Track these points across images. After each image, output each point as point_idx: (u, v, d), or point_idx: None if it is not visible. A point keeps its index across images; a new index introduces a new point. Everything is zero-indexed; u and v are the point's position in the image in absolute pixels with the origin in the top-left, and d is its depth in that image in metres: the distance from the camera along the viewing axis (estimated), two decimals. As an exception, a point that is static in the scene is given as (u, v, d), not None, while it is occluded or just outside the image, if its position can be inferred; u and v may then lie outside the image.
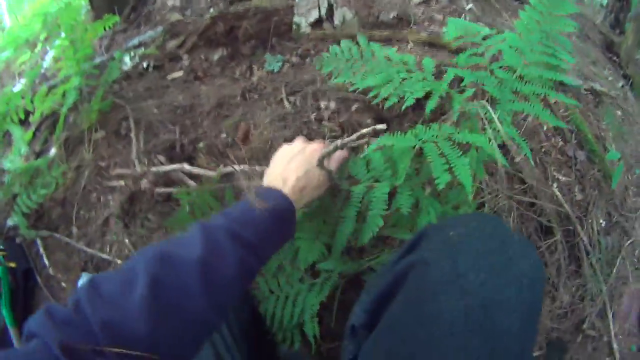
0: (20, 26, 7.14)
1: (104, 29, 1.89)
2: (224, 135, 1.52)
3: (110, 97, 1.83)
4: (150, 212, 1.37)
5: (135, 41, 2.22)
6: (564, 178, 1.70)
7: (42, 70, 3.18)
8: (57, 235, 1.52)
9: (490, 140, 0.91)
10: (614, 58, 3.41)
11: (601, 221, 1.64)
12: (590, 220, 1.55)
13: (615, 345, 1.34)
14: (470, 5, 2.53)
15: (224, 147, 1.46)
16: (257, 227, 0.66)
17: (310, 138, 1.40)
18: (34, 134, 1.89)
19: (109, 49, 2.38)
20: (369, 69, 1.18)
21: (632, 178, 2.10)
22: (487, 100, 1.01)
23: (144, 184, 1.40)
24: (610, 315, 1.40)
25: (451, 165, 0.84)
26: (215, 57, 1.89)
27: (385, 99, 1.09)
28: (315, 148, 0.84)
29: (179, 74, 1.92)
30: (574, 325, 1.36)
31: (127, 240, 1.37)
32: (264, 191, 0.74)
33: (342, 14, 2.00)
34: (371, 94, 1.12)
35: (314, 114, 1.48)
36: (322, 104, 1.58)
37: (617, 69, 3.24)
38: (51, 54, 3.87)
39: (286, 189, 0.75)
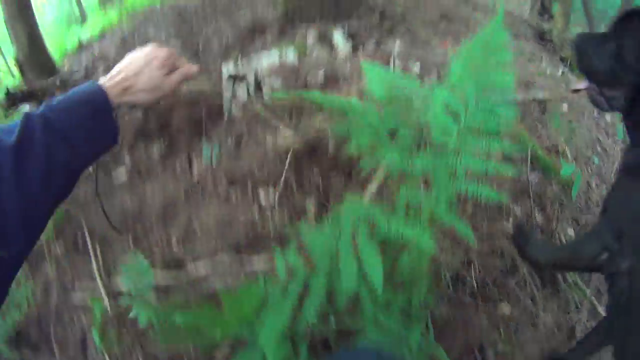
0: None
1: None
2: (174, 240, 1.66)
3: (63, 206, 1.92)
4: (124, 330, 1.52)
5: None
6: (520, 208, 1.73)
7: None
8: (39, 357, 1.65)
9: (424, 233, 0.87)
10: (549, 46, 3.59)
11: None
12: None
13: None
14: (396, 47, 2.63)
15: (178, 255, 1.62)
16: (70, 114, 0.67)
17: (259, 228, 1.56)
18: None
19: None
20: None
21: (592, 169, 2.21)
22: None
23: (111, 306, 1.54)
24: (602, 310, 1.46)
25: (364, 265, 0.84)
26: (155, 151, 1.99)
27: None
28: (157, 55, 0.82)
29: (123, 176, 2.01)
30: (565, 337, 1.40)
31: (107, 357, 1.52)
32: (85, 84, 0.75)
33: (270, 84, 2.09)
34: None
35: (256, 205, 1.63)
36: (262, 193, 1.74)
37: (552, 56, 3.41)
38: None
39: (108, 83, 0.75)
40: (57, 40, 4.65)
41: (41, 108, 0.67)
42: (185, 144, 1.97)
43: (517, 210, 1.73)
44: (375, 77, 1.19)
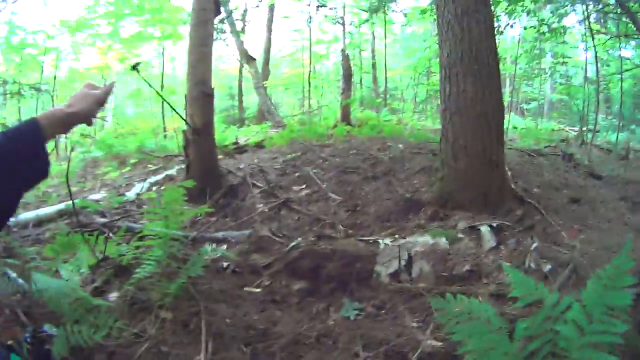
0: (115, 136, 8.19)
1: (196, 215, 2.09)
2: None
3: (185, 283, 1.88)
4: None
5: (220, 235, 2.42)
6: None
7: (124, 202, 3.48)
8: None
9: None
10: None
11: None
12: None
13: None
14: (535, 245, 2.60)
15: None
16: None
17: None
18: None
19: (194, 226, 2.59)
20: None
21: None
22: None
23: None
24: None
25: None
26: (296, 287, 1.99)
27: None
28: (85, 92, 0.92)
29: (256, 290, 2.00)
30: None
31: None
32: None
33: (420, 266, 2.11)
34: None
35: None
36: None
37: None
38: (136, 189, 4.35)
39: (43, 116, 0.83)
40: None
41: None
42: (328, 293, 1.95)
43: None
44: (517, 281, 1.38)
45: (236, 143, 5.83)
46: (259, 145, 5.37)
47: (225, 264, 2.22)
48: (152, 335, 1.71)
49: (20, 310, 1.67)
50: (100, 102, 0.96)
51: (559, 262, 2.38)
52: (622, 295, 1.19)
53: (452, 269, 2.15)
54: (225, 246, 2.35)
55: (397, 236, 2.33)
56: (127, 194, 3.97)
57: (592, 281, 1.27)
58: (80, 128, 1.06)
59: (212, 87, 3.54)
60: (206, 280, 2.09)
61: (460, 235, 2.52)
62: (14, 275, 1.80)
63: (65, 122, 0.87)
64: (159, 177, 4.40)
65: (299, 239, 2.23)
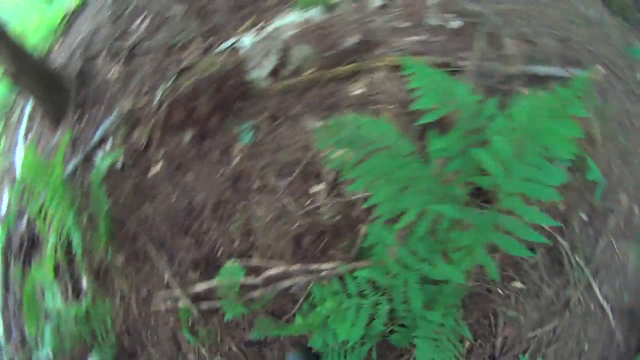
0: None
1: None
2: (237, 243, 1.63)
3: (107, 212, 1.88)
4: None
5: (97, 137, 2.14)
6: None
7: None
8: (139, 360, 1.77)
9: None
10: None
11: (584, 216, 1.74)
12: (572, 220, 1.69)
13: (604, 303, 1.61)
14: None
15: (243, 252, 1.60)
16: None
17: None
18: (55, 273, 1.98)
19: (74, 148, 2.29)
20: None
21: (618, 146, 2.03)
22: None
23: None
24: (596, 287, 1.63)
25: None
26: (186, 139, 1.87)
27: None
28: None
29: (157, 168, 1.92)
30: (563, 305, 1.60)
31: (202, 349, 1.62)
32: None
33: (299, 53, 1.86)
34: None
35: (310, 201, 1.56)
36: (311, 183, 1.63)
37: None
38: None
39: None
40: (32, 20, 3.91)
41: None
42: (216, 128, 1.84)
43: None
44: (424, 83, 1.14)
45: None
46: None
47: (120, 163, 2.06)
48: (127, 290, 1.82)
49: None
50: None
51: (467, 14, 2.08)
52: (569, 125, 0.96)
53: (338, 45, 1.89)
54: (109, 143, 2.13)
55: (259, 25, 1.99)
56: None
57: (529, 100, 1.07)
58: None
59: None
60: (117, 191, 1.99)
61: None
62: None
63: None
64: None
65: (161, 91, 1.93)
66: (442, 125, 1.27)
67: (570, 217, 1.71)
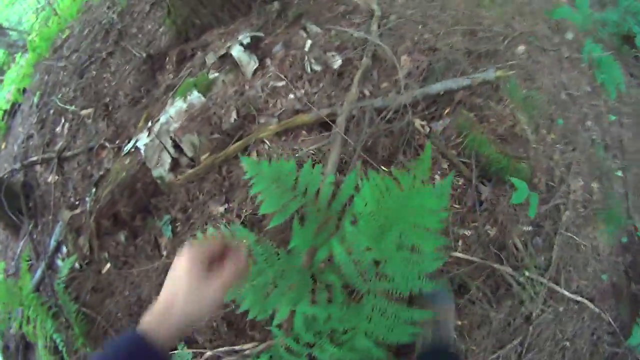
0: None
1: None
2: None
3: (77, 313, 2.19)
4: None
5: (52, 244, 2.44)
6: (469, 232, 1.65)
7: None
8: None
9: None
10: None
11: (527, 228, 1.69)
12: (510, 241, 1.65)
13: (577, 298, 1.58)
14: (308, 41, 2.13)
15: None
16: None
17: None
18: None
19: (37, 255, 2.58)
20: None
21: (556, 130, 1.98)
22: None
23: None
24: (562, 289, 1.59)
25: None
26: (122, 239, 2.14)
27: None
28: (182, 263, 0.64)
29: (107, 267, 2.21)
30: (523, 320, 1.57)
31: None
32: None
33: (190, 142, 2.02)
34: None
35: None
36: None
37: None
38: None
39: (147, 318, 0.62)
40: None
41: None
42: (141, 224, 2.09)
43: (466, 233, 1.66)
44: (264, 186, 1.17)
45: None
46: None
47: (78, 265, 2.34)
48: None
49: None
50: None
51: (353, 45, 2.06)
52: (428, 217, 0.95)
53: (220, 126, 1.98)
54: (64, 248, 2.42)
55: (151, 122, 2.16)
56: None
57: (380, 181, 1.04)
58: None
59: None
60: (83, 289, 2.27)
61: (213, 75, 2.19)
62: None
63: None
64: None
65: (88, 203, 2.15)
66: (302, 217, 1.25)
67: (506, 240, 1.66)
